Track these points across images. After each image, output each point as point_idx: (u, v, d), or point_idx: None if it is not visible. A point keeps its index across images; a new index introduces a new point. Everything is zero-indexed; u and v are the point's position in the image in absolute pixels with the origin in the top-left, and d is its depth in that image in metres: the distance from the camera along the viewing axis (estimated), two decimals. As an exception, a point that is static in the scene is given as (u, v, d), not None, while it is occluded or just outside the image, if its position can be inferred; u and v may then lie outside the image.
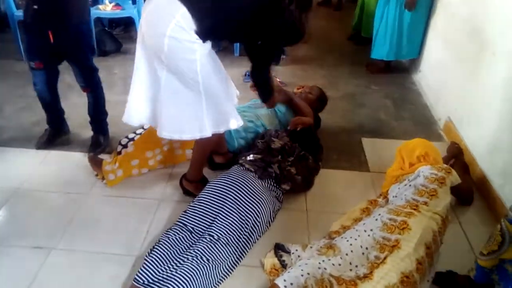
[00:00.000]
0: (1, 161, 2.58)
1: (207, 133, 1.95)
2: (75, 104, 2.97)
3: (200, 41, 1.78)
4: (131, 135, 2.55)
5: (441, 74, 3.23)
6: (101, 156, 2.61)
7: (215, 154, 2.48)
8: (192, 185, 2.27)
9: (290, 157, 2.33)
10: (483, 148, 2.43)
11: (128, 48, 4.31)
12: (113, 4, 4.17)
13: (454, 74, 2.93)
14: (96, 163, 2.35)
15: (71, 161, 2.59)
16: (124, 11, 4.16)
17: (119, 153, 2.44)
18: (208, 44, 1.84)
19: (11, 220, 2.15)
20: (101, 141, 2.68)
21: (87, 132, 2.76)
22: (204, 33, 1.77)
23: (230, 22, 1.84)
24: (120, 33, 4.72)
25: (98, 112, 2.67)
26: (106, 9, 4.12)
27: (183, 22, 1.73)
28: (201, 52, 1.81)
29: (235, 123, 2.02)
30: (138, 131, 2.55)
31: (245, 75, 3.63)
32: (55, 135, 2.73)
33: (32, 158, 2.59)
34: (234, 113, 2.03)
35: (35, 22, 2.24)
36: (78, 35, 2.33)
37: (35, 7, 2.19)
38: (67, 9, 2.23)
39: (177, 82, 1.85)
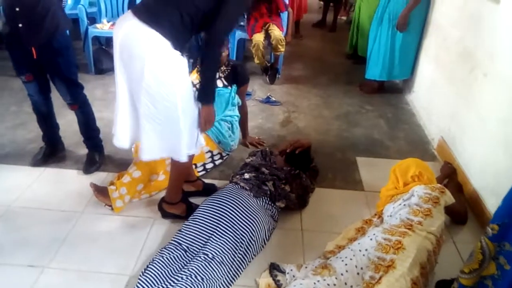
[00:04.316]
0: (-5, 178, 2.56)
1: (184, 157, 1.93)
2: (70, 122, 2.98)
3: (179, 56, 1.78)
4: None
5: (434, 94, 3.28)
6: (96, 174, 2.61)
7: (184, 182, 2.38)
8: (174, 207, 2.22)
9: (283, 178, 2.34)
10: (476, 168, 2.46)
11: (125, 67, 4.33)
12: (111, 23, 4.21)
13: (447, 95, 2.98)
14: (102, 193, 2.28)
15: (65, 179, 2.58)
16: (121, 30, 4.20)
17: (118, 178, 2.42)
18: (185, 60, 1.85)
19: (4, 237, 2.12)
20: (96, 159, 2.68)
21: (82, 150, 2.76)
22: (179, 44, 1.78)
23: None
24: (117, 52, 4.75)
25: (88, 129, 2.68)
26: (104, 28, 4.17)
27: (158, 42, 1.73)
28: (180, 74, 1.81)
29: (200, 145, 2.05)
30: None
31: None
32: (51, 153, 2.73)
33: (27, 175, 2.57)
34: (200, 136, 2.03)
35: (19, 39, 2.27)
36: (60, 49, 2.35)
37: (20, 25, 2.22)
38: (49, 25, 2.26)
39: (154, 108, 1.81)
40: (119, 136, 2.01)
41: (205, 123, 1.96)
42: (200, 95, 1.92)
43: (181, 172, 2.15)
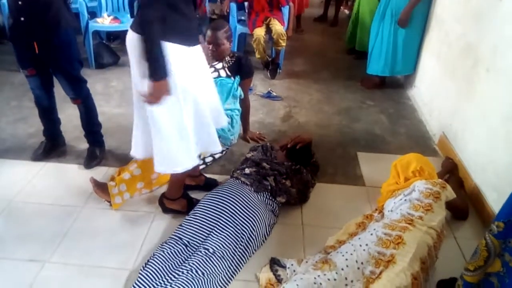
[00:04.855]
0: (-4, 173, 2.56)
1: (197, 161, 1.97)
2: (70, 116, 2.98)
3: (179, 53, 1.77)
4: None
5: (435, 89, 3.27)
6: (97, 168, 2.61)
7: (189, 179, 2.42)
8: (175, 203, 2.22)
9: (283, 173, 2.34)
10: (477, 163, 2.45)
11: (126, 61, 4.28)
12: (111, 17, 4.20)
13: (449, 90, 2.97)
14: (102, 188, 2.27)
15: (66, 173, 2.58)
16: (122, 25, 4.19)
17: (119, 173, 2.42)
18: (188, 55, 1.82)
19: (5, 232, 2.12)
20: (96, 154, 2.68)
21: (83, 145, 2.76)
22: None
23: None
24: (118, 46, 4.75)
25: (90, 124, 2.67)
26: (104, 23, 4.16)
27: None
28: (179, 72, 1.77)
29: (218, 147, 2.06)
30: None
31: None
32: (51, 147, 2.73)
33: (28, 170, 2.57)
34: (216, 136, 2.04)
35: (21, 33, 2.27)
36: (62, 46, 2.34)
37: (22, 19, 2.23)
38: (51, 21, 2.25)
39: (159, 115, 1.80)
40: (133, 146, 2.06)
41: (151, 97, 1.72)
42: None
43: (183, 174, 2.14)
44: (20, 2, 2.19)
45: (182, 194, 2.23)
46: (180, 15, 1.74)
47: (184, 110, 1.84)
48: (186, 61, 1.80)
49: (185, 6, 1.76)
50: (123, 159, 2.65)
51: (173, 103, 1.78)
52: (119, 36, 4.85)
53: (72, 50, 2.42)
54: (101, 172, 2.57)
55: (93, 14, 4.42)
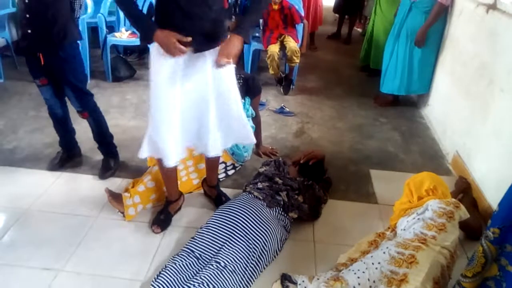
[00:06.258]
0: (13, 181, 2.61)
1: (141, 154, 2.02)
2: (85, 128, 3.00)
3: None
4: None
5: (449, 108, 3.26)
6: (111, 179, 2.65)
7: (206, 185, 2.51)
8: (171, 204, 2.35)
9: (296, 189, 2.35)
10: (491, 183, 2.43)
11: (141, 75, 4.41)
12: (129, 32, 4.29)
13: (462, 109, 2.96)
14: (116, 199, 2.31)
15: (81, 183, 2.62)
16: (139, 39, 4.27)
17: (133, 185, 2.45)
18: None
19: (20, 240, 2.16)
20: (111, 165, 2.71)
21: (98, 156, 2.80)
22: None
23: None
24: (134, 60, 4.84)
25: (101, 135, 2.71)
26: (122, 37, 4.24)
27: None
28: (155, 69, 1.90)
29: (166, 160, 2.00)
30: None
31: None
32: (67, 157, 2.78)
33: (43, 179, 2.62)
34: (169, 150, 1.98)
35: (28, 44, 2.35)
36: (67, 59, 2.39)
37: (29, 31, 2.30)
38: (57, 34, 2.31)
39: None
40: None
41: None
42: None
43: (163, 170, 2.17)
44: (28, 15, 2.27)
45: (167, 211, 2.30)
46: (161, 13, 1.88)
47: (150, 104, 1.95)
48: (166, 58, 1.86)
49: (168, 11, 1.85)
50: (137, 171, 2.68)
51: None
52: (136, 50, 4.95)
53: (77, 64, 2.47)
54: (115, 183, 2.61)
55: (111, 28, 4.52)
